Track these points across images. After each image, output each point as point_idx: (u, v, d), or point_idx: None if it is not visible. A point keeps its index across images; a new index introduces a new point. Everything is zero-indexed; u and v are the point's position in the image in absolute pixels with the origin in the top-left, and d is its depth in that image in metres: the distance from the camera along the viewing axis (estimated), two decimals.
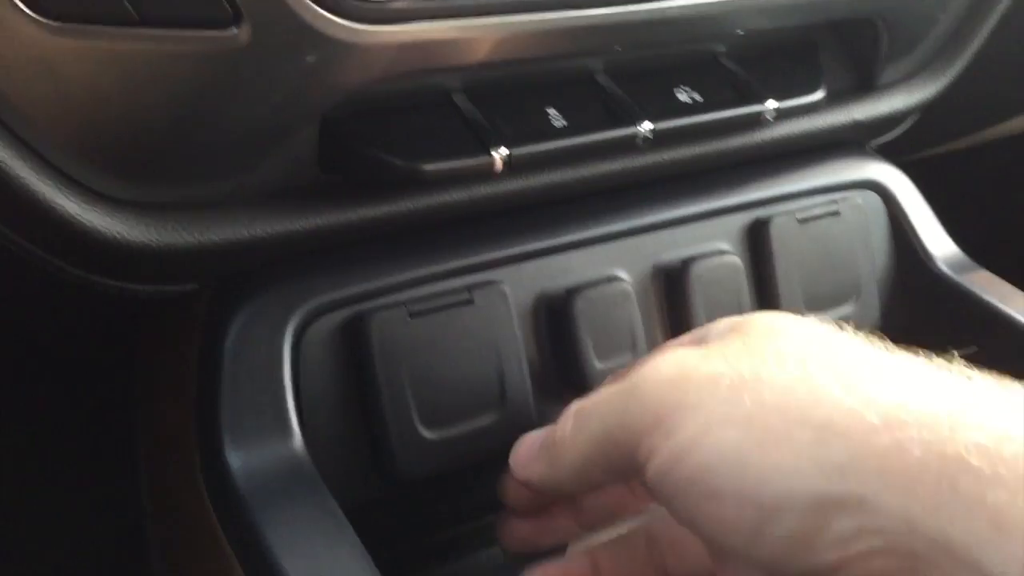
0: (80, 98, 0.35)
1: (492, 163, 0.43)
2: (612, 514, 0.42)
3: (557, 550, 0.42)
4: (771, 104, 0.49)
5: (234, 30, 0.34)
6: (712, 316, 0.51)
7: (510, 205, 0.48)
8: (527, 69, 0.45)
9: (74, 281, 0.41)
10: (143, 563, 0.48)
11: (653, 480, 0.32)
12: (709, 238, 0.53)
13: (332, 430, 0.43)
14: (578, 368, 0.47)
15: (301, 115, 0.39)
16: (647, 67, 0.48)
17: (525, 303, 0.47)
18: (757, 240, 0.53)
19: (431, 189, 0.45)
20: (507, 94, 0.45)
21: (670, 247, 0.52)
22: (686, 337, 0.39)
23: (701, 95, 0.49)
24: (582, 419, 0.36)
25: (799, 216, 0.54)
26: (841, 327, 0.34)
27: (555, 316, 0.48)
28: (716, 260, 0.51)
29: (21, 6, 0.32)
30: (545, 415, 0.45)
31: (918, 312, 0.58)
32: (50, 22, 0.33)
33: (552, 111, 0.45)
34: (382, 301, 0.44)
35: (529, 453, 0.39)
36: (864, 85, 0.58)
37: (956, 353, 0.32)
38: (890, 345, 0.33)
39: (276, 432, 0.41)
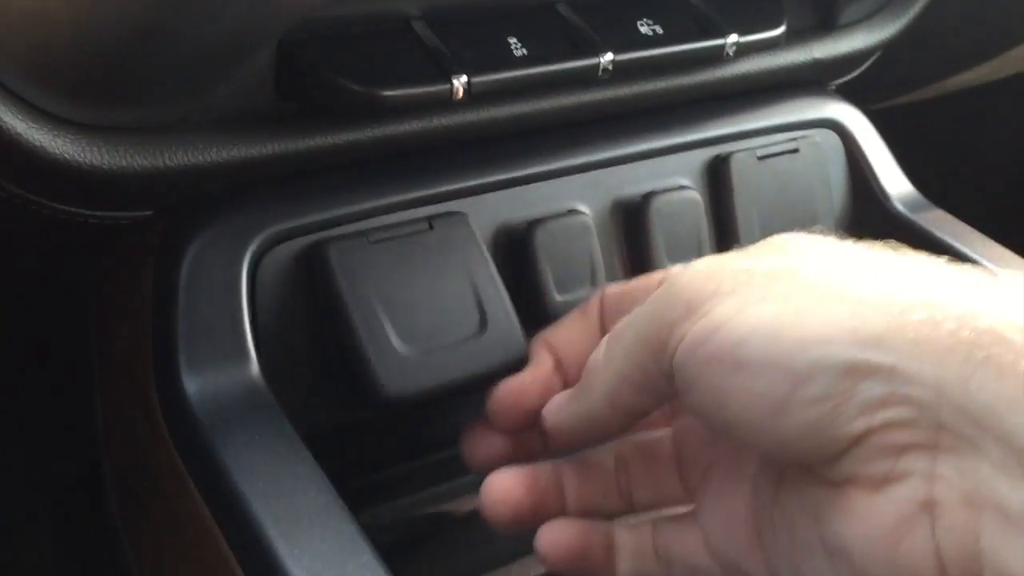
0: (28, 16, 0.34)
1: (452, 90, 0.42)
2: None
3: None
4: (732, 38, 0.49)
5: None
6: (672, 250, 0.51)
7: (472, 137, 0.48)
8: None
9: (24, 205, 0.40)
10: (100, 492, 0.48)
11: (680, 361, 0.32)
12: (669, 173, 0.53)
13: (290, 356, 0.42)
14: (538, 300, 0.47)
15: (256, 35, 0.39)
16: None
17: (487, 234, 0.47)
18: (717, 176, 0.54)
19: (391, 118, 0.45)
20: (467, 22, 0.45)
21: (631, 182, 0.52)
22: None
23: (663, 28, 0.49)
24: (615, 337, 0.36)
25: (759, 153, 0.55)
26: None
27: (516, 247, 0.48)
28: (676, 195, 0.52)
29: None
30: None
31: None
32: None
33: (513, 40, 0.45)
34: (341, 230, 0.44)
35: (559, 399, 0.39)
36: (825, 24, 0.58)
37: None
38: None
39: (232, 358, 0.41)
